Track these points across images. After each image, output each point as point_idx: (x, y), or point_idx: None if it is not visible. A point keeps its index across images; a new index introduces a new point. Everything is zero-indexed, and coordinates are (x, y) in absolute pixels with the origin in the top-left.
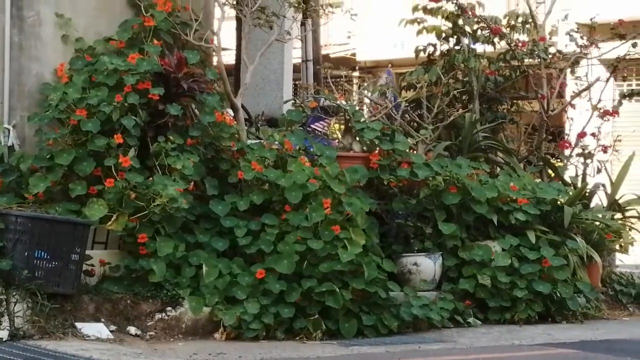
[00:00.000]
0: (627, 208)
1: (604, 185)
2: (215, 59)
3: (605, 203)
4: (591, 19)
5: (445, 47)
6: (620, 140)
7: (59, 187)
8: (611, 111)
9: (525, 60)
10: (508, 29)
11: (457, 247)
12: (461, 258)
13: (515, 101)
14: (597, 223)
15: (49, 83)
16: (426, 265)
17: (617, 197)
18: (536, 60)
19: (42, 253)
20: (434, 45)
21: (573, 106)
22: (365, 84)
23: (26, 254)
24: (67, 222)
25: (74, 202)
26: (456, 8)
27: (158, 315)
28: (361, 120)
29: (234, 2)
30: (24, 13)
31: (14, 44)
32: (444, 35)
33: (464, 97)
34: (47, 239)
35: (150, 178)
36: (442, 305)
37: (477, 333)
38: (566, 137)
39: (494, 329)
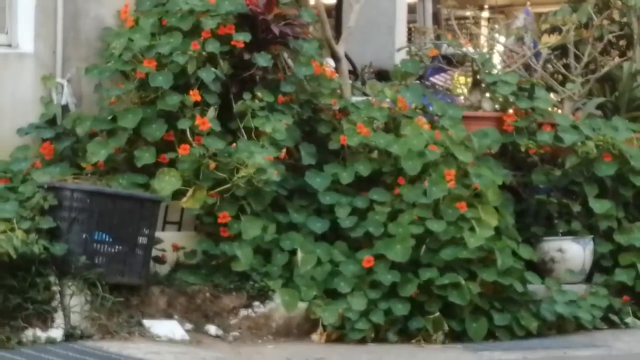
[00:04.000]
0: None
1: None
2: None
3: None
4: None
5: None
6: None
7: (123, 154)
8: None
9: None
10: None
11: (612, 229)
12: (617, 243)
13: None
14: None
15: (111, 28)
16: (573, 252)
17: None
18: None
19: (103, 235)
20: None
21: None
22: (498, 27)
23: (84, 236)
24: (132, 198)
25: (141, 174)
26: None
27: (243, 312)
28: (493, 72)
29: None
30: None
31: None
32: None
33: (621, 43)
34: (109, 218)
35: (234, 144)
36: (594, 302)
37: (637, 336)
38: None
39: None
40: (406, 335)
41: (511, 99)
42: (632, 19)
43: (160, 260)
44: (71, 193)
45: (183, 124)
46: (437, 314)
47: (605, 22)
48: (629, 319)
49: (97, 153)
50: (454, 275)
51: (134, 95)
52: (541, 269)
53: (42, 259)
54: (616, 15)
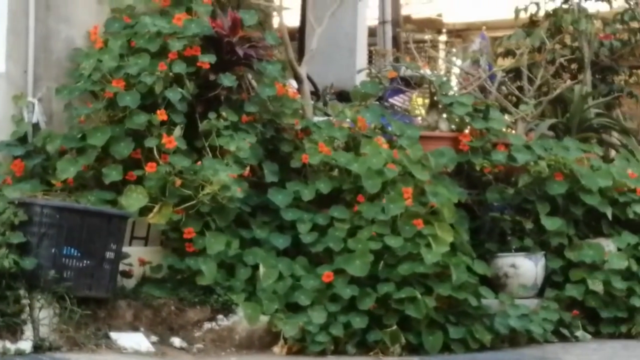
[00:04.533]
0: None
1: None
2: (276, 20)
3: None
4: None
5: (550, 5)
6: None
7: (91, 172)
8: None
9: None
10: None
11: (563, 245)
12: (568, 259)
13: (634, 70)
14: None
15: (81, 49)
16: (526, 268)
17: None
18: None
19: (72, 250)
20: (537, 4)
21: None
22: (455, 50)
23: (53, 251)
24: (100, 214)
25: (109, 190)
26: None
27: (207, 325)
28: (449, 94)
29: None
30: None
31: (39, 3)
32: None
33: (572, 66)
34: (78, 233)
35: (199, 162)
36: (545, 316)
37: (586, 349)
38: None
39: (606, 345)
40: (365, 348)
41: (467, 119)
42: (583, 43)
43: (127, 275)
44: (41, 209)
45: (150, 143)
46: (395, 327)
47: (557, 46)
48: (579, 333)
49: (67, 170)
50: (411, 290)
51: (103, 114)
52: (495, 284)
53: (12, 272)
54: (568, 40)
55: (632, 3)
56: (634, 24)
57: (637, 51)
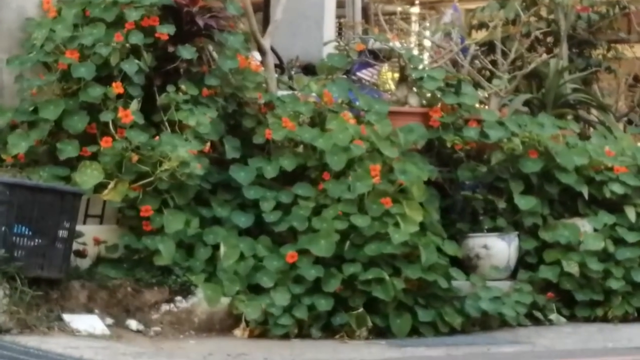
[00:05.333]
0: None
1: None
2: None
3: None
4: None
5: None
6: None
7: (44, 147)
8: None
9: None
10: None
11: (537, 226)
12: (542, 240)
13: (613, 45)
14: None
15: (33, 18)
16: (498, 249)
17: None
18: None
19: (23, 228)
20: None
21: None
22: (426, 22)
23: (3, 229)
24: (53, 191)
25: (63, 166)
26: None
27: (165, 307)
28: (420, 67)
29: None
30: None
31: None
32: None
33: (548, 40)
34: (29, 211)
35: (157, 137)
36: (518, 299)
37: (560, 333)
38: None
39: (581, 328)
40: (330, 331)
41: (438, 94)
42: (559, 16)
43: (81, 254)
44: None
45: (105, 117)
46: (361, 309)
47: (532, 18)
48: (553, 316)
49: (18, 145)
50: (378, 271)
51: (56, 87)
52: (466, 265)
53: None
54: (544, 12)
55: None
56: None
57: (616, 24)
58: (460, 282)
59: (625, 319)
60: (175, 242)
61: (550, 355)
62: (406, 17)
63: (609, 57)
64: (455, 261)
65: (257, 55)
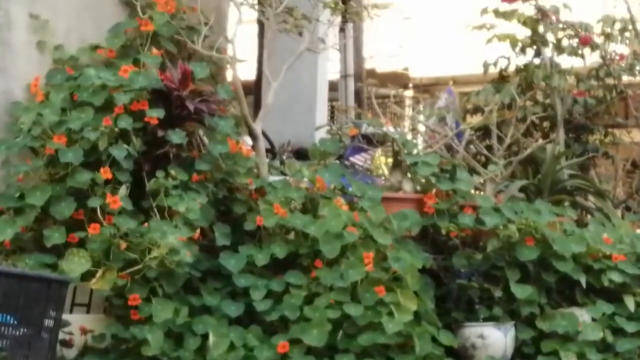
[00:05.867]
0: None
1: None
2: (229, 73)
3: None
4: None
5: (521, 60)
6: None
7: (30, 233)
8: None
9: (624, 77)
10: (602, 37)
11: (534, 315)
12: (539, 330)
13: (610, 130)
14: None
15: (20, 102)
16: (495, 338)
17: None
18: (637, 78)
19: (8, 317)
20: (508, 58)
21: None
22: (420, 107)
23: None
24: (39, 279)
25: (49, 254)
26: (536, 11)
27: None
28: (414, 152)
29: (255, 2)
30: None
31: None
32: (520, 45)
33: (544, 124)
34: (14, 299)
35: (146, 223)
36: None
37: None
38: None
39: None
40: None
41: (432, 180)
42: (555, 100)
43: (67, 344)
44: None
45: (93, 203)
46: None
47: (528, 103)
48: None
49: (4, 231)
50: None
51: (43, 172)
52: (462, 355)
53: None
54: (540, 97)
55: (607, 59)
56: (610, 81)
57: (613, 109)
58: None
59: None
60: (163, 331)
61: None
62: (399, 101)
63: (606, 142)
64: (450, 351)
65: (248, 140)
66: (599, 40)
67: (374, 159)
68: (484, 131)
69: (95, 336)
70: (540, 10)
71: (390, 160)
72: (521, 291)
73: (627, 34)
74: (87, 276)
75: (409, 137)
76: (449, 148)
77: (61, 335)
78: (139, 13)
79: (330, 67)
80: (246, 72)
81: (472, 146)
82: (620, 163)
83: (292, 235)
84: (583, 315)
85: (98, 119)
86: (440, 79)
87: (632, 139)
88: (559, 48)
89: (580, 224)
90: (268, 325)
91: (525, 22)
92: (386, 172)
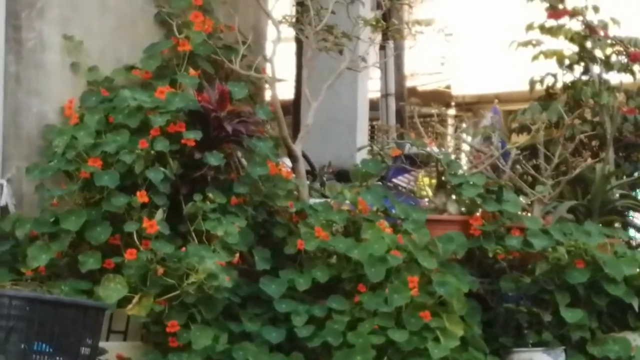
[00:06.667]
0: None
1: None
2: (268, 94)
3: None
4: None
5: (569, 77)
6: None
7: (65, 259)
8: None
9: None
10: None
11: (585, 340)
12: (591, 355)
13: None
14: None
15: (54, 125)
16: None
17: None
18: None
19: (43, 346)
20: (554, 75)
21: None
22: (464, 126)
23: (22, 346)
24: (75, 306)
25: (85, 280)
26: (583, 27)
27: None
28: (458, 173)
29: (293, 20)
30: (22, 35)
31: (9, 75)
32: (567, 62)
33: (593, 143)
34: (50, 327)
35: (183, 248)
36: None
37: None
38: None
39: None
40: None
41: (478, 201)
42: (604, 118)
43: None
44: (9, 300)
45: (130, 227)
46: None
47: (576, 121)
48: None
49: (38, 257)
50: None
51: (78, 196)
52: None
53: None
54: (588, 115)
55: None
56: None
57: None
58: None
59: None
60: (202, 358)
61: None
62: (442, 120)
63: None
64: None
65: (287, 162)
66: None
67: (417, 180)
68: (530, 151)
69: None
70: (588, 25)
71: (434, 181)
72: (571, 315)
73: None
74: (123, 302)
75: (454, 157)
76: (495, 168)
77: None
78: (175, 33)
79: (371, 86)
80: (285, 92)
81: (518, 166)
82: None
83: (334, 259)
84: (636, 339)
85: (134, 142)
86: (483, 97)
87: None
88: (607, 64)
89: (632, 245)
90: (310, 352)
91: (572, 38)
92: (430, 193)
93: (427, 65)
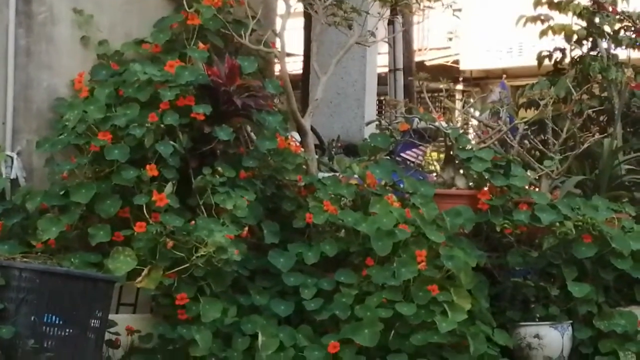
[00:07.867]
0: None
1: None
2: (277, 68)
3: None
4: None
5: (577, 52)
6: None
7: (75, 232)
8: None
9: None
10: None
11: (592, 314)
12: (597, 329)
13: None
14: None
15: (64, 98)
16: (551, 338)
17: None
18: None
19: (53, 317)
20: (563, 50)
21: None
22: (472, 100)
23: (33, 318)
24: (85, 278)
25: (95, 252)
26: (592, 2)
27: None
28: (467, 148)
29: None
30: (32, 8)
31: (19, 48)
32: (575, 37)
33: (601, 118)
34: (60, 299)
35: (193, 221)
36: None
37: None
38: None
39: None
40: None
41: (486, 176)
42: (613, 93)
43: (113, 344)
44: (19, 272)
45: (139, 200)
46: None
47: (584, 96)
48: None
49: (48, 230)
50: None
51: (88, 170)
52: (517, 355)
53: None
54: (596, 90)
55: None
56: None
57: None
58: None
59: None
60: (211, 331)
61: None
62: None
63: None
64: (505, 351)
65: (296, 136)
66: None
67: (425, 155)
68: (538, 126)
69: (142, 336)
70: (596, 1)
71: (442, 155)
72: (578, 289)
73: None
74: (133, 275)
75: (462, 131)
76: (503, 143)
77: (107, 336)
78: (185, 7)
79: (379, 60)
80: (294, 66)
81: (526, 141)
82: None
83: (342, 233)
84: None
85: (144, 115)
86: (492, 72)
87: None
88: (616, 40)
89: (639, 220)
90: (318, 325)
91: (580, 14)
92: (438, 168)
93: (435, 40)
